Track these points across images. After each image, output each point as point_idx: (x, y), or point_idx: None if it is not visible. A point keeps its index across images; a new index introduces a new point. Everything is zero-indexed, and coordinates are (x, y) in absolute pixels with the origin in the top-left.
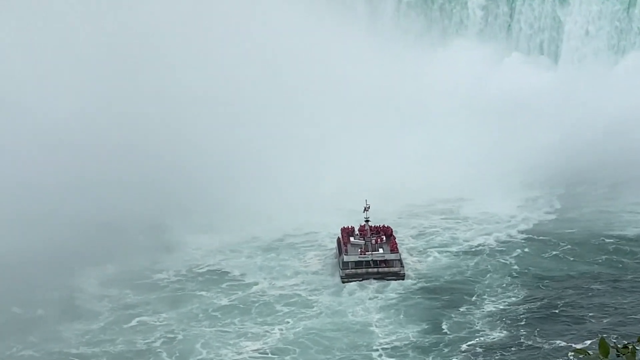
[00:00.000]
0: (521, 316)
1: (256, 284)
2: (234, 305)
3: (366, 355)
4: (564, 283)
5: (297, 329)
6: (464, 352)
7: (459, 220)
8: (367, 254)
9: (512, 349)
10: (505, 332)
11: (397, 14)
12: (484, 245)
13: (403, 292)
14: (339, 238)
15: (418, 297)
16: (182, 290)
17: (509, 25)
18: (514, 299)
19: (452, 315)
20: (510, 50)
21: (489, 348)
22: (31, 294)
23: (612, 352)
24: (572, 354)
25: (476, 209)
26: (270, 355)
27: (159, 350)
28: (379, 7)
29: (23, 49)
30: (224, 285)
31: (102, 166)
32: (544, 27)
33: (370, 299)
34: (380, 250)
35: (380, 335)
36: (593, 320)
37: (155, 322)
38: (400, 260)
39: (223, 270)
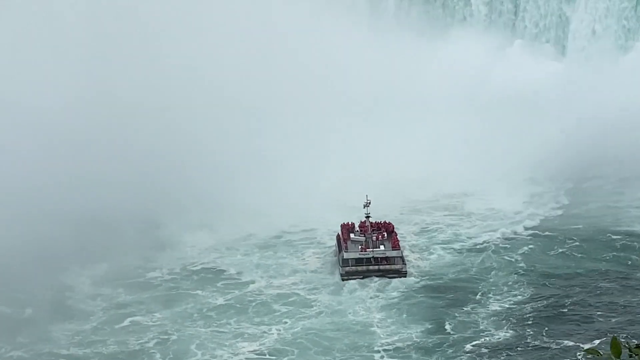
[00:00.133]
0: (528, 315)
1: (253, 282)
2: (229, 304)
3: (367, 357)
4: (571, 281)
5: (296, 330)
6: (468, 352)
7: (463, 216)
8: (368, 250)
9: (519, 349)
10: (511, 331)
11: (399, 11)
12: (488, 242)
13: (405, 290)
14: (338, 235)
15: (421, 296)
16: (177, 289)
17: (513, 24)
18: (520, 297)
19: (456, 315)
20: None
21: (494, 348)
22: (20, 292)
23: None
24: (583, 353)
25: (480, 205)
26: (267, 356)
27: (152, 351)
28: (380, 4)
29: (12, 43)
30: (219, 284)
31: (94, 162)
32: (549, 25)
33: (371, 297)
34: (382, 247)
35: (381, 335)
36: (601, 320)
37: (149, 322)
38: (402, 258)
39: (218, 268)
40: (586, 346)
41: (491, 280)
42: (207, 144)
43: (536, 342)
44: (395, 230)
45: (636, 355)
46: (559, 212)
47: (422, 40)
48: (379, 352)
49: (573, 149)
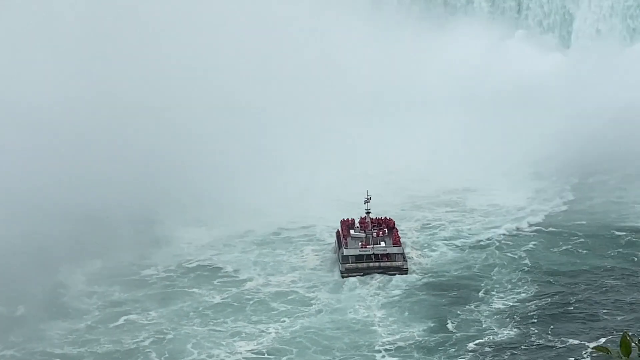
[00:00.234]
0: (532, 313)
1: (250, 280)
2: (227, 303)
3: (368, 356)
4: (576, 278)
5: (294, 328)
6: (471, 351)
7: (465, 213)
8: (368, 247)
9: (523, 348)
10: (515, 330)
11: (400, 7)
12: (491, 239)
13: (407, 288)
14: (338, 231)
15: (423, 294)
16: (172, 287)
17: (516, 22)
18: (524, 295)
19: (459, 313)
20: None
21: (498, 347)
22: (13, 290)
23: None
24: (593, 351)
25: (483, 201)
26: (265, 356)
27: (147, 350)
28: (382, 0)
29: (11, 42)
30: (216, 282)
31: (89, 159)
32: (553, 25)
33: (371, 295)
34: (382, 244)
35: (382, 334)
36: (607, 317)
37: (144, 320)
38: (403, 254)
39: (215, 265)
40: (592, 344)
41: (494, 277)
42: (204, 141)
43: (541, 341)
44: (396, 226)
45: None
46: (564, 207)
47: (423, 36)
48: (379, 351)
49: (577, 144)
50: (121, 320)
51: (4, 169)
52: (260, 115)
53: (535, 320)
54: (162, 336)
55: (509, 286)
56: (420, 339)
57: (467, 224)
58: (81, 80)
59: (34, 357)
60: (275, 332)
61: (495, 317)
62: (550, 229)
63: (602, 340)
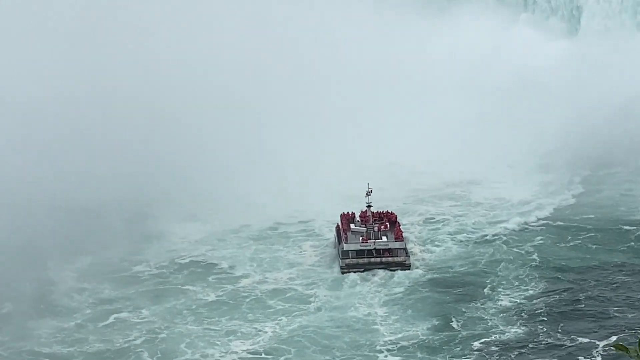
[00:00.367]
0: (540, 311)
1: (246, 277)
2: (222, 300)
3: (369, 356)
4: (585, 274)
5: (292, 327)
6: (477, 350)
7: (470, 206)
8: (369, 242)
9: (531, 347)
10: (522, 328)
11: None
12: (497, 234)
13: (410, 284)
14: (338, 225)
15: (426, 291)
16: (165, 284)
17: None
18: (531, 291)
19: (464, 310)
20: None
21: (505, 346)
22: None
23: None
24: (604, 350)
25: (488, 194)
26: (263, 355)
27: (139, 350)
28: None
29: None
30: (210, 279)
31: (79, 152)
32: (560, 21)
33: (373, 292)
34: (384, 238)
35: (384, 333)
36: (618, 315)
37: (135, 319)
38: (405, 249)
39: (210, 262)
40: (603, 343)
41: (501, 273)
42: (199, 134)
43: (550, 340)
44: (398, 220)
45: None
46: (572, 201)
47: (426, 22)
48: (381, 351)
49: (585, 134)
50: (112, 319)
51: None
52: (256, 106)
53: (544, 318)
54: (154, 335)
55: (516, 282)
56: (424, 337)
57: (471, 218)
58: (74, 74)
59: (21, 356)
60: (273, 331)
61: (502, 314)
62: (559, 223)
63: (613, 338)
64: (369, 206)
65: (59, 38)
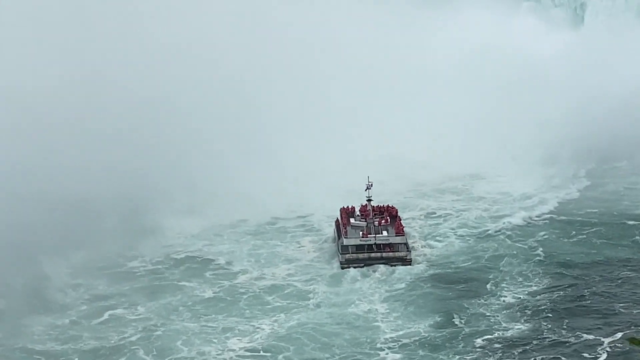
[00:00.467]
0: (544, 307)
1: (244, 273)
2: (219, 297)
3: (370, 354)
4: (590, 269)
5: (291, 324)
6: (480, 348)
7: (472, 200)
8: (370, 236)
9: (535, 343)
10: (526, 325)
11: None
12: (500, 228)
13: (411, 280)
14: (337, 220)
15: (428, 286)
16: (161, 280)
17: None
18: (535, 287)
19: (467, 307)
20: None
21: (508, 343)
22: None
23: None
24: (611, 346)
25: (491, 188)
26: (261, 353)
27: (135, 347)
28: None
29: None
30: (207, 275)
31: (72, 144)
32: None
33: (373, 288)
34: (384, 233)
35: (385, 330)
36: (624, 311)
37: (131, 315)
38: (406, 244)
39: (206, 257)
40: (608, 340)
41: (504, 269)
42: (195, 126)
43: (554, 336)
44: (399, 214)
45: None
46: (576, 195)
47: (426, 14)
48: (382, 348)
49: (589, 127)
50: (106, 315)
51: None
52: (254, 99)
53: (548, 315)
54: (150, 332)
55: (520, 278)
56: (426, 335)
57: (474, 212)
58: (68, 67)
59: (14, 353)
60: (271, 328)
61: (505, 311)
62: (562, 217)
63: (619, 335)
64: (369, 200)
65: (53, 30)
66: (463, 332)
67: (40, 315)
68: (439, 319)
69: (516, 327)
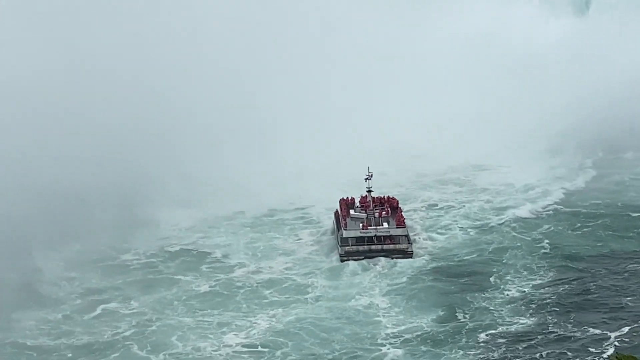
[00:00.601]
0: (549, 301)
1: (240, 266)
2: (215, 291)
3: (371, 349)
4: (596, 262)
5: (289, 319)
6: (483, 343)
7: (475, 192)
8: (370, 228)
9: (540, 338)
10: (531, 319)
11: None
12: (504, 220)
13: (412, 273)
14: (337, 211)
15: (430, 280)
16: (155, 274)
17: None
18: (540, 281)
19: (470, 301)
20: None
21: (512, 338)
22: None
23: None
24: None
25: (494, 179)
26: (259, 349)
27: (128, 342)
28: None
29: None
30: (203, 268)
31: (65, 135)
32: None
33: (374, 282)
34: (385, 225)
35: (387, 325)
36: (631, 305)
37: (125, 310)
38: (407, 237)
39: (202, 250)
40: (615, 334)
41: (508, 262)
42: (191, 115)
43: (560, 331)
44: (400, 206)
45: None
46: (582, 186)
47: (426, 2)
48: (384, 344)
49: (594, 116)
50: (100, 310)
51: None
52: (252, 86)
53: (554, 309)
54: (144, 327)
55: (524, 271)
56: (428, 329)
57: (477, 204)
58: (62, 60)
59: (5, 349)
60: (268, 324)
61: (509, 305)
62: (568, 209)
63: (626, 329)
64: (369, 191)
65: (49, 23)
66: (466, 327)
67: (32, 309)
68: (442, 313)
69: (521, 321)
